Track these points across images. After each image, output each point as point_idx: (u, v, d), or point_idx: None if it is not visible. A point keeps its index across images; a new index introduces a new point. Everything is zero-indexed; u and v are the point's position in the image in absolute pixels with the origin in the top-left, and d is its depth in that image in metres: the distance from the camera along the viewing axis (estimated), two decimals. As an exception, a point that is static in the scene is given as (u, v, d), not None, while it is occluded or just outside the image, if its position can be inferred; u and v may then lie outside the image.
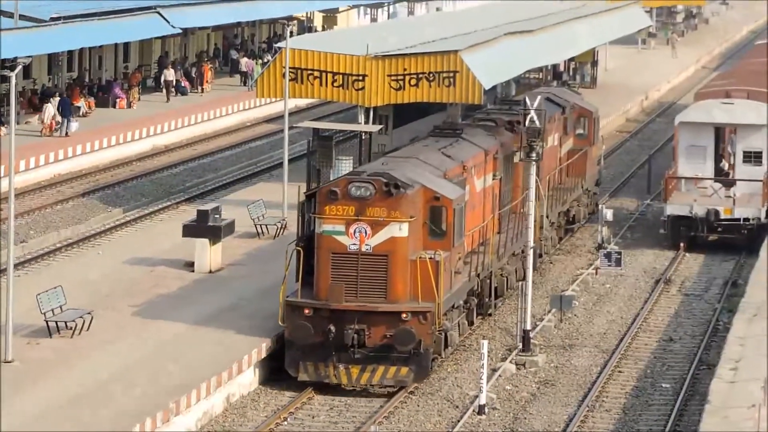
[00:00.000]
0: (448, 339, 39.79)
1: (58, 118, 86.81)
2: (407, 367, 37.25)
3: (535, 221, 50.11)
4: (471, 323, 43.79)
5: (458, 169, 42.44)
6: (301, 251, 38.23)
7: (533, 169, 53.96)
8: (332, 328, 36.61)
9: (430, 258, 37.18)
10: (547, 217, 54.04)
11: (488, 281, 45.72)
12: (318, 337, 36.70)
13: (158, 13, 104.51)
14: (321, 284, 37.24)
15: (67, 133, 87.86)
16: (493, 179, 46.60)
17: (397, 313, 36.85)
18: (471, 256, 42.98)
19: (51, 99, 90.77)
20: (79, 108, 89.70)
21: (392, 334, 36.59)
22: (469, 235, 42.69)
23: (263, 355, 41.92)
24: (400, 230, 36.88)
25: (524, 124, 48.62)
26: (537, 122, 51.29)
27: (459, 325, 41.84)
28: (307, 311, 37.02)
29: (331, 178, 54.20)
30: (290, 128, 66.41)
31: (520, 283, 53.29)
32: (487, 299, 46.08)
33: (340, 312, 36.77)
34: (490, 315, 45.75)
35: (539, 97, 58.50)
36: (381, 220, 36.77)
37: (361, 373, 37.11)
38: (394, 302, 37.04)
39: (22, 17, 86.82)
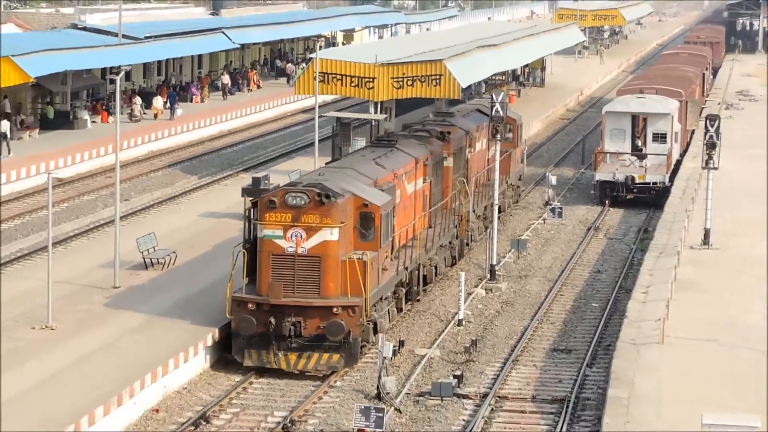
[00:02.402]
0: (377, 326, 38.07)
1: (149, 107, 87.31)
2: (338, 354, 35.55)
3: (462, 216, 49.39)
4: (400, 310, 41.64)
5: (389, 176, 40.28)
6: (246, 253, 36.73)
7: (497, 147, 53.65)
8: (272, 320, 34.98)
9: (358, 259, 35.53)
10: (474, 211, 51.77)
11: (417, 271, 43.52)
12: (260, 328, 35.06)
13: (223, 33, 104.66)
14: (262, 282, 35.54)
15: (172, 117, 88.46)
16: (424, 183, 44.22)
17: (328, 308, 35.20)
18: (401, 250, 41.08)
19: (159, 94, 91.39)
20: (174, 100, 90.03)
21: (325, 326, 34.93)
22: (399, 234, 40.70)
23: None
24: (331, 234, 35.09)
25: (452, 134, 48.31)
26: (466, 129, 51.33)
27: (389, 313, 39.90)
28: (250, 305, 35.29)
29: (349, 152, 54.43)
30: (319, 117, 66.29)
31: (488, 230, 53.04)
32: (416, 287, 43.75)
33: (279, 306, 35.06)
34: (418, 301, 43.69)
35: (473, 107, 58.58)
36: (314, 225, 35.00)
37: (298, 359, 35.46)
38: (327, 298, 35.35)
39: (124, 36, 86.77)
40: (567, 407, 36.06)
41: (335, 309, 34.79)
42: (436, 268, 45.76)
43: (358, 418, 33.49)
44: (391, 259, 39.14)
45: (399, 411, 35.23)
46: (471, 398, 36.89)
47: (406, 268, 41.15)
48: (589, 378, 38.84)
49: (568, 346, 42.84)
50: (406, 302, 41.97)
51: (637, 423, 33.16)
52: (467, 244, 51.08)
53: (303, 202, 34.63)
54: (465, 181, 48.97)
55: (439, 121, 51.73)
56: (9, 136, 70.73)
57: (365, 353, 39.53)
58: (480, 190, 53.17)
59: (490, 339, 42.99)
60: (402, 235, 40.62)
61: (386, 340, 38.45)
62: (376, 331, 37.38)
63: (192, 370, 36.62)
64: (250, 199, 36.88)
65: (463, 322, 44.05)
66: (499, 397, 37.14)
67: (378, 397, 35.41)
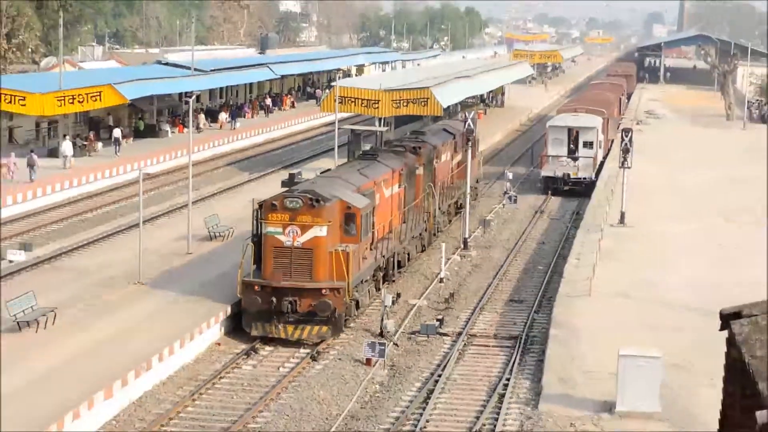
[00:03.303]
0: (359, 304, 37.04)
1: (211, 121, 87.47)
2: (327, 327, 34.41)
3: (430, 212, 48.23)
4: (378, 289, 39.87)
5: (370, 184, 39.09)
6: (253, 245, 35.51)
7: (469, 153, 53.40)
8: (274, 299, 33.98)
9: (343, 250, 34.47)
10: (439, 208, 50.46)
11: (393, 258, 42.13)
12: (264, 305, 34.08)
13: (268, 67, 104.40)
14: (266, 269, 34.49)
15: (234, 128, 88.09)
16: (399, 188, 42.84)
17: (318, 290, 34.10)
18: (380, 242, 39.65)
19: (222, 111, 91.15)
20: (237, 115, 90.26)
21: (315, 304, 33.91)
22: (378, 229, 39.26)
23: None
24: (321, 231, 34.09)
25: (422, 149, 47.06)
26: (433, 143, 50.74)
27: (368, 292, 38.62)
28: (256, 288, 34.29)
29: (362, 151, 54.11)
30: (338, 129, 66.16)
31: (462, 211, 53.09)
32: (391, 271, 42.13)
33: (279, 288, 34.07)
34: (393, 281, 41.88)
35: (440, 127, 58.04)
36: (307, 224, 34.02)
37: (294, 330, 34.36)
38: (317, 282, 34.22)
39: (196, 69, 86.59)
40: (520, 342, 36.16)
41: (324, 291, 33.98)
42: (408, 255, 44.90)
43: (366, 350, 33.53)
44: (371, 250, 38.13)
45: (396, 345, 35.39)
46: (449, 336, 37.03)
47: (384, 256, 40.21)
48: (536, 321, 38.81)
49: (521, 297, 42.77)
50: (383, 283, 40.68)
51: (571, 354, 33.26)
52: (434, 234, 49.88)
53: (298, 205, 33.90)
54: (432, 185, 48.15)
55: (413, 139, 50.73)
56: (120, 141, 70.79)
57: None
58: (444, 192, 52.02)
59: (463, 292, 42.94)
60: (380, 230, 39.59)
61: (387, 292, 38.56)
62: (358, 308, 36.71)
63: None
64: (258, 202, 35.91)
65: (444, 280, 43.79)
66: (469, 335, 37.29)
67: (381, 334, 35.64)
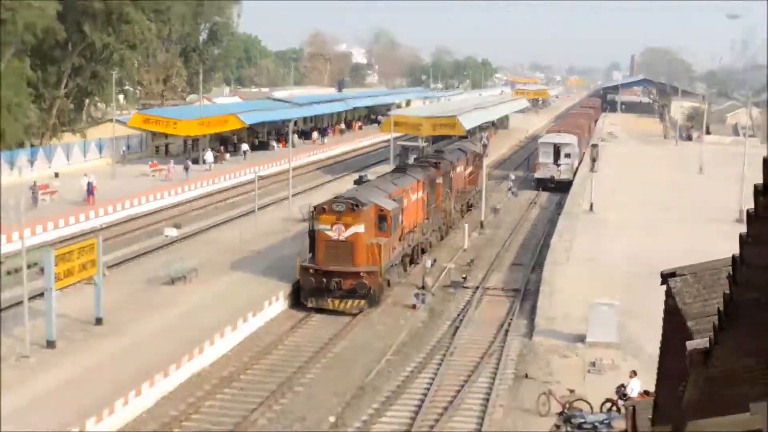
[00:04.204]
0: (389, 282, 34.78)
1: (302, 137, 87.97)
2: (364, 301, 32.29)
3: (446, 211, 46.19)
4: (406, 270, 37.64)
5: (399, 191, 37.09)
6: (309, 238, 33.55)
7: (484, 161, 53.01)
8: (324, 280, 32.04)
9: (376, 243, 32.64)
10: (454, 208, 48.24)
11: (417, 247, 39.87)
12: (317, 284, 32.09)
13: (344, 101, 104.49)
14: (318, 256, 32.47)
15: (324, 142, 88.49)
16: (423, 193, 40.63)
17: (358, 272, 32.18)
18: (407, 235, 37.61)
19: (314, 132, 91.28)
20: (323, 135, 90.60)
21: (355, 284, 32.01)
22: (405, 225, 37.26)
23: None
24: (359, 228, 32.13)
25: (436, 164, 46.11)
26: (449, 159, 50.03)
27: (398, 274, 36.38)
28: (311, 271, 32.26)
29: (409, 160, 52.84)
30: (393, 144, 66.01)
31: (472, 207, 52.40)
32: (416, 257, 39.52)
33: (328, 272, 32.09)
34: (418, 263, 39.06)
35: (456, 147, 56.58)
36: (349, 223, 32.10)
37: (339, 303, 32.20)
38: (357, 266, 32.27)
39: (294, 102, 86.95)
40: (519, 294, 36.09)
41: (362, 273, 32.26)
42: (430, 243, 42.78)
43: (413, 298, 33.69)
44: (399, 241, 36.30)
45: (433, 295, 35.24)
46: (471, 288, 36.95)
47: (410, 246, 38.42)
48: (531, 280, 38.59)
49: (521, 262, 42.52)
50: (410, 265, 38.63)
51: (554, 303, 33.13)
52: (450, 227, 47.72)
53: (342, 209, 32.21)
54: (449, 191, 46.64)
55: (435, 156, 49.37)
56: (247, 152, 71.42)
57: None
58: (459, 195, 50.06)
59: (480, 259, 42.68)
60: (407, 226, 37.87)
61: (427, 258, 38.61)
62: (389, 285, 34.77)
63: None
64: (312, 206, 34.15)
65: (466, 249, 43.83)
66: (485, 288, 37.18)
67: (422, 287, 35.43)
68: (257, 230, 43.59)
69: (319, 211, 32.52)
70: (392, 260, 34.85)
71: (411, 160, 55.39)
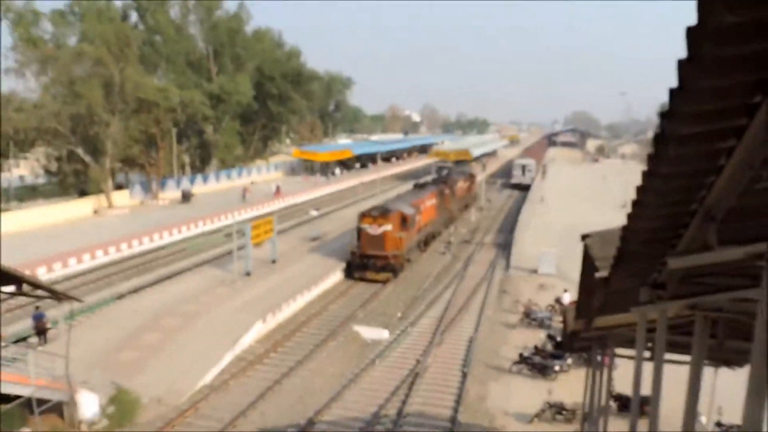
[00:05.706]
0: (409, 260, 29.77)
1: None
2: (390, 273, 27.47)
3: (451, 210, 40.41)
4: (421, 251, 32.36)
5: (419, 201, 32.23)
6: (357, 233, 28.26)
7: (483, 168, 50.67)
8: (365, 260, 27.45)
9: (400, 236, 27.87)
10: (456, 209, 42.29)
11: (430, 235, 34.35)
12: (360, 263, 27.54)
13: (407, 141, 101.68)
14: (361, 245, 27.56)
15: (397, 162, 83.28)
16: (435, 201, 35.23)
17: (386, 256, 27.42)
18: (423, 228, 32.50)
19: (392, 157, 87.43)
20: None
21: (384, 264, 27.46)
22: (422, 223, 32.22)
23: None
24: (388, 227, 27.41)
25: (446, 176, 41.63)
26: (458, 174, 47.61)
27: (416, 254, 31.19)
28: (356, 253, 27.58)
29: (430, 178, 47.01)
30: (433, 165, 64.41)
31: (471, 204, 46.23)
32: (428, 242, 33.99)
33: (367, 255, 27.42)
34: (429, 245, 34.05)
35: (460, 169, 53.38)
36: (382, 223, 27.48)
37: (375, 275, 27.31)
38: (386, 252, 27.46)
39: (380, 143, 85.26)
40: (502, 246, 35.17)
41: (389, 256, 27.69)
42: (440, 232, 37.33)
43: (442, 248, 32.91)
44: (417, 233, 31.33)
45: (454, 246, 34.27)
46: (474, 244, 36.14)
47: (425, 235, 33.26)
48: (508, 238, 37.42)
49: (502, 228, 41.27)
50: (424, 246, 33.44)
51: (521, 251, 32.21)
52: (453, 220, 41.39)
53: (377, 213, 27.84)
54: (453, 198, 41.20)
55: (444, 176, 45.11)
56: (339, 174, 68.54)
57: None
58: (459, 200, 43.82)
59: (480, 228, 41.59)
60: (424, 223, 32.76)
61: (452, 228, 37.46)
62: (409, 261, 29.90)
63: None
64: (360, 212, 29.09)
65: (474, 224, 42.71)
66: (482, 243, 36.39)
67: (449, 243, 34.40)
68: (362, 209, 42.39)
69: (362, 215, 28.68)
70: (411, 246, 30.46)
71: (437, 175, 51.03)
